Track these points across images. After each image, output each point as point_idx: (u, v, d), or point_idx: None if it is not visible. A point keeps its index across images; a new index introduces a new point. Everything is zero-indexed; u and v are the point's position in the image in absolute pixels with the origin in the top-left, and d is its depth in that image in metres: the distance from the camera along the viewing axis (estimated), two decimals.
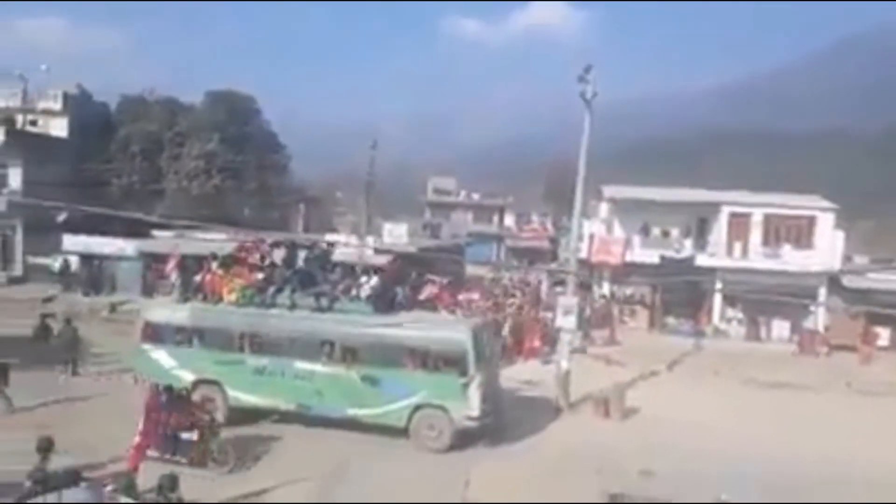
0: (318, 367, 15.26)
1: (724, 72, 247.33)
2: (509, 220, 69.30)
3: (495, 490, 12.55)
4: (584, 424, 17.11)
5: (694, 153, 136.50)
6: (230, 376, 15.59)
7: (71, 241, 35.61)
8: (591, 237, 33.55)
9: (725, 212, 33.85)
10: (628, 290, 34.41)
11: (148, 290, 35.04)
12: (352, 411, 15.01)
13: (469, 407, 14.51)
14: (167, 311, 16.79)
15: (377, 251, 31.85)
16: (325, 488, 12.41)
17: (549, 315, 25.28)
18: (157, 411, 12.95)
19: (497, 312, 26.40)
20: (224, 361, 15.74)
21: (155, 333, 16.40)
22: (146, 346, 16.33)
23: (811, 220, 33.22)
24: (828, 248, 32.40)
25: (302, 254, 18.37)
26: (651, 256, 32.99)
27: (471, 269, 41.84)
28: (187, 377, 15.59)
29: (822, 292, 31.46)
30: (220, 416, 14.84)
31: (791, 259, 31.72)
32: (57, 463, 9.31)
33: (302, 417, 15.44)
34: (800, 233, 33.15)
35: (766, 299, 27.24)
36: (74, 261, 35.62)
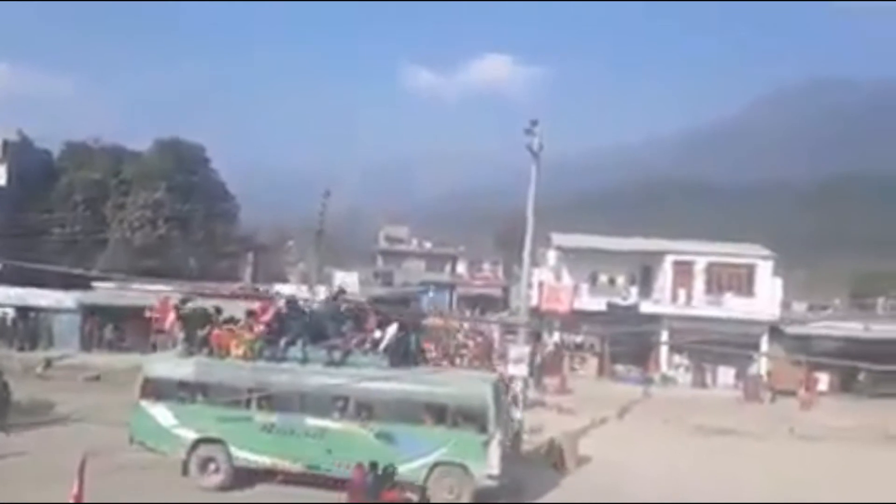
0: (330, 424, 14.52)
1: (667, 125, 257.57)
2: (461, 268, 69.67)
3: None
4: (537, 473, 16.96)
5: (638, 203, 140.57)
6: (235, 434, 14.71)
7: (5, 294, 34.17)
8: (541, 285, 33.97)
9: (669, 260, 34.81)
10: (578, 338, 34.78)
11: (86, 345, 33.77)
12: None
13: (489, 465, 13.93)
14: (169, 365, 15.90)
15: (328, 300, 31.49)
16: None
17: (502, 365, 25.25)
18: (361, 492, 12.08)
19: (451, 362, 26.28)
20: (229, 418, 14.83)
21: (155, 389, 15.38)
22: (144, 403, 15.27)
23: (751, 268, 34.39)
24: (768, 295, 33.50)
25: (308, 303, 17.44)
26: (598, 304, 33.52)
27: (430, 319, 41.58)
28: (188, 435, 14.79)
29: (765, 339, 32.36)
30: (222, 477, 14.46)
31: (733, 306, 32.63)
32: None
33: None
34: (741, 280, 34.24)
35: (711, 347, 27.87)
36: (10, 313, 34.15)
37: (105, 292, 34.88)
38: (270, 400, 14.93)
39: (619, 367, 33.81)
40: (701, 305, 33.19)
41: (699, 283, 34.22)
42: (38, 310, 34.42)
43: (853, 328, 30.35)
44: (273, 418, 14.70)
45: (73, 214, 41.74)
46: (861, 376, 29.96)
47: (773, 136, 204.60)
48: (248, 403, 14.93)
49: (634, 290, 34.99)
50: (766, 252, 35.61)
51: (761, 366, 32.06)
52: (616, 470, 17.22)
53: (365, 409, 14.57)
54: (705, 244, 37.10)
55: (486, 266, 68.95)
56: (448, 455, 14.07)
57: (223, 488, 14.56)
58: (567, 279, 35.29)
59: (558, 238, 37.08)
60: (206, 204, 45.15)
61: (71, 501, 10.93)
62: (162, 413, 15.10)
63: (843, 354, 28.67)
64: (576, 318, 33.28)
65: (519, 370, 19.51)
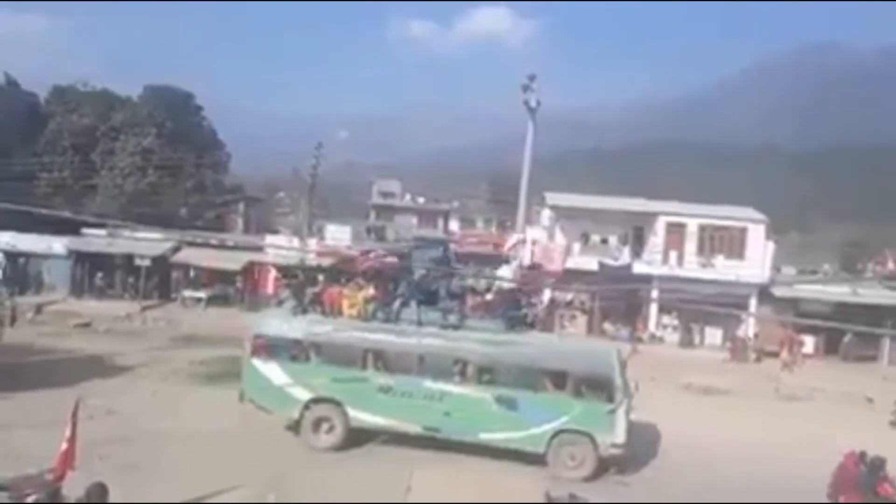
0: (449, 388, 14.32)
1: (665, 86, 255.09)
2: (454, 224, 69.57)
3: (437, 493, 12.48)
4: None
5: (632, 163, 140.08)
6: (351, 394, 14.47)
7: None
8: (534, 243, 33.93)
9: (662, 221, 34.74)
10: (568, 296, 34.92)
11: (76, 291, 33.69)
12: (485, 435, 14.08)
13: (615, 434, 13.69)
14: (282, 324, 15.47)
15: (319, 254, 31.45)
16: (263, 494, 12.09)
17: None
18: None
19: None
20: (344, 378, 14.59)
21: (267, 347, 15.13)
22: (256, 362, 15.03)
23: (743, 231, 34.39)
24: (759, 258, 33.60)
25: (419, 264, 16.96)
26: (590, 263, 33.55)
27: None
28: (302, 395, 14.60)
29: (753, 301, 32.62)
30: (336, 438, 14.36)
31: (724, 268, 32.78)
32: None
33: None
34: (732, 243, 34.27)
35: (700, 308, 28.09)
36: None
37: (95, 239, 34.64)
38: (386, 361, 14.74)
39: (608, 326, 34.05)
40: (692, 267, 33.31)
41: (691, 245, 34.28)
42: (27, 255, 34.23)
43: (842, 292, 30.65)
44: (390, 380, 14.46)
45: (62, 160, 41.12)
46: (847, 339, 30.36)
47: (767, 101, 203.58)
48: (364, 364, 14.70)
49: (626, 251, 35.05)
50: (759, 215, 35.60)
51: (749, 327, 32.41)
52: None
53: (485, 374, 14.37)
54: (698, 206, 36.99)
55: (480, 223, 68.91)
56: (572, 423, 13.82)
57: (336, 449, 14.42)
58: (560, 238, 35.26)
59: (552, 197, 36.91)
60: (196, 152, 44.56)
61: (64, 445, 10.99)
62: (274, 371, 14.83)
63: (831, 318, 29.09)
64: (567, 278, 33.37)
65: None
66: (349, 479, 13.05)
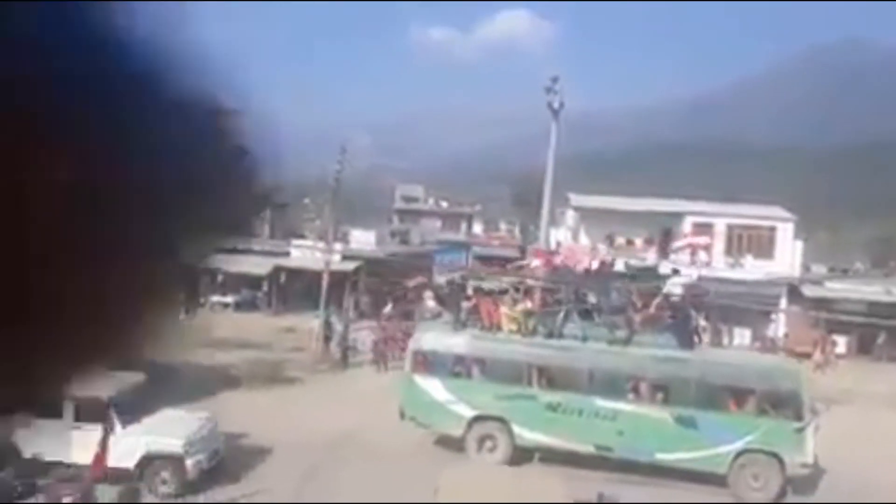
0: (622, 406, 13.83)
1: (687, 86, 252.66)
2: (477, 227, 69.52)
3: (465, 495, 12.47)
4: None
5: (656, 164, 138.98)
6: (517, 412, 14.02)
7: None
8: (558, 245, 33.80)
9: (689, 221, 34.41)
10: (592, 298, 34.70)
11: None
12: (662, 455, 13.52)
13: (804, 454, 13.06)
14: (442, 338, 15.13)
15: (345, 257, 31.67)
16: (293, 496, 12.20)
17: None
18: None
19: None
20: (510, 395, 14.16)
21: (427, 363, 14.88)
22: (417, 377, 14.78)
23: (772, 230, 33.96)
24: (788, 257, 33.15)
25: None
26: (616, 265, 33.33)
27: (439, 277, 41.78)
28: (465, 412, 14.26)
29: (783, 301, 32.14)
30: (501, 456, 13.90)
31: (753, 268, 32.36)
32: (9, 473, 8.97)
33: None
34: (761, 242, 33.85)
35: (730, 307, 27.73)
36: None
37: None
38: (553, 378, 14.35)
39: None
40: (720, 267, 32.94)
41: (719, 245, 33.90)
42: None
43: (874, 291, 30.11)
44: (558, 397, 14.03)
45: None
46: (880, 339, 29.75)
47: (789, 99, 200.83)
48: (529, 381, 14.33)
49: (652, 252, 34.76)
50: (787, 214, 35.12)
51: (778, 327, 31.92)
52: None
53: (661, 391, 13.93)
54: (725, 206, 36.61)
55: (503, 226, 68.78)
56: (757, 443, 13.28)
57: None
58: (585, 240, 35.08)
59: (576, 198, 36.74)
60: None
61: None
62: (435, 387, 14.55)
63: (863, 317, 28.52)
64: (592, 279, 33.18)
65: None
66: (376, 480, 13.12)
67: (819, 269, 38.20)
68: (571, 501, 10.03)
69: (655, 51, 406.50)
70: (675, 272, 15.13)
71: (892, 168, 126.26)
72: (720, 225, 33.99)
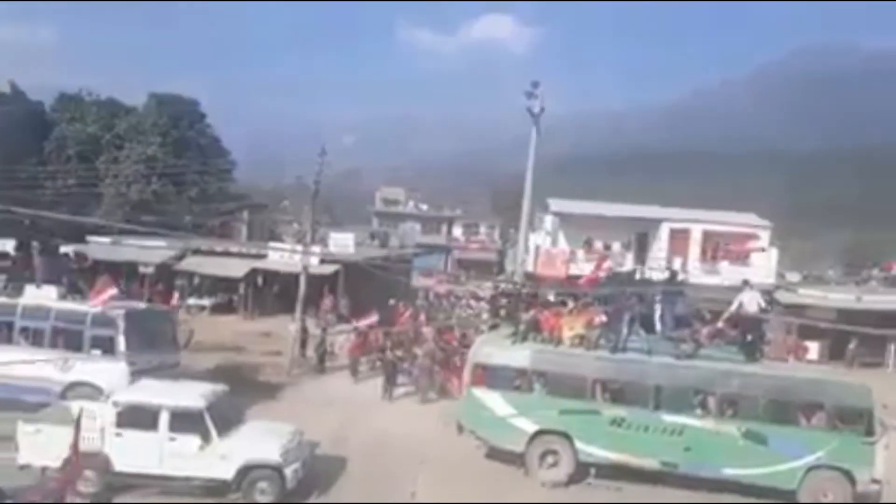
0: (690, 421, 13.57)
1: (662, 92, 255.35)
2: (457, 231, 69.61)
3: (442, 500, 12.47)
4: None
5: (631, 169, 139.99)
6: (581, 427, 13.80)
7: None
8: (537, 250, 33.95)
9: (666, 227, 34.74)
10: (571, 303, 34.84)
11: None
12: (730, 471, 13.37)
13: (875, 470, 13.01)
14: (502, 351, 14.80)
15: (323, 260, 31.43)
16: None
17: None
18: None
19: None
20: (573, 410, 13.92)
21: (488, 377, 14.54)
22: (477, 391, 14.49)
23: (748, 237, 34.40)
24: (763, 264, 33.57)
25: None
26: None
27: (418, 281, 41.79)
28: (528, 427, 14.02)
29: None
30: (563, 472, 13.78)
31: (728, 275, 32.70)
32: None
33: None
34: (736, 249, 34.24)
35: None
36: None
37: (99, 247, 34.67)
38: (617, 392, 14.12)
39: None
40: (696, 273, 33.25)
41: (694, 252, 34.25)
42: None
43: (846, 299, 30.57)
44: (623, 412, 13.80)
45: (66, 167, 41.32)
46: (852, 345, 30.23)
47: (770, 106, 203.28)
48: (593, 395, 14.08)
49: (630, 257, 35.03)
50: (762, 221, 35.61)
51: None
52: None
53: (729, 406, 13.71)
54: (701, 212, 37.04)
55: (483, 230, 68.95)
56: (827, 459, 13.14)
57: (561, 484, 13.83)
58: (563, 245, 35.27)
59: (556, 203, 36.95)
60: (200, 160, 44.74)
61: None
62: (497, 402, 14.28)
63: (835, 324, 28.93)
64: (570, 284, 33.33)
65: None
66: (354, 486, 13.06)
67: (794, 277, 38.70)
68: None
69: (635, 56, 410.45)
70: (746, 283, 14.96)
71: (864, 175, 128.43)
72: (696, 231, 34.38)
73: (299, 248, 28.67)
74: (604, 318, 14.78)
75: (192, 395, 12.71)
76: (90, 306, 16.01)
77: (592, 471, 13.84)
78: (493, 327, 17.66)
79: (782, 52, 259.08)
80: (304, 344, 23.74)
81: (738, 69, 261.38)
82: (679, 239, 34.52)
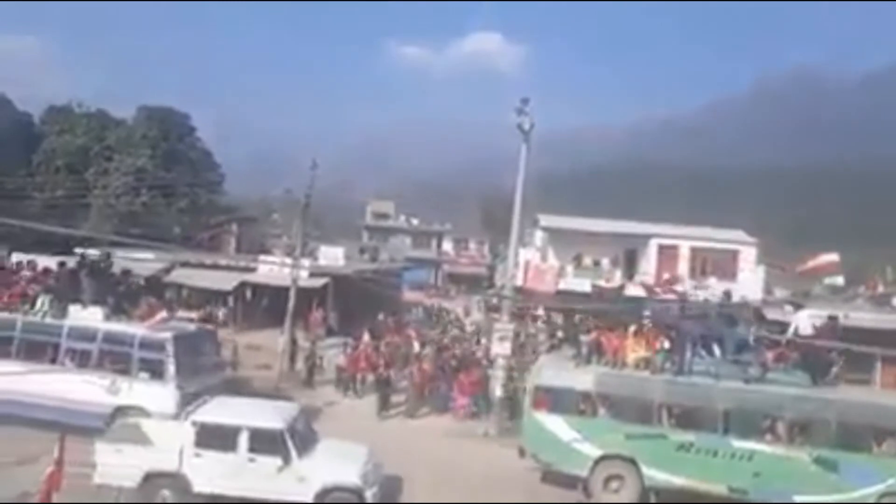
0: (759, 447, 13.41)
1: (651, 110, 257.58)
2: (447, 245, 69.75)
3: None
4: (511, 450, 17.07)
5: (623, 186, 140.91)
6: (647, 452, 13.63)
7: None
8: (527, 265, 34.02)
9: (654, 244, 34.95)
10: (560, 318, 34.91)
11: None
12: (800, 498, 13.19)
13: None
14: (565, 374, 14.62)
15: (312, 274, 31.37)
16: None
17: None
18: None
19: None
20: (639, 435, 13.74)
21: (550, 400, 14.34)
22: (539, 415, 14.29)
23: (735, 254, 34.66)
24: (751, 281, 33.79)
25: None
26: (582, 285, 33.63)
27: (407, 295, 41.76)
28: (591, 452, 13.85)
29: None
30: (627, 497, 13.58)
31: (716, 291, 32.86)
32: None
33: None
34: (724, 265, 34.48)
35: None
36: None
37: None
38: (683, 417, 13.93)
39: None
40: (685, 289, 33.41)
41: (683, 267, 34.44)
42: None
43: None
44: (691, 437, 13.59)
45: (55, 179, 41.12)
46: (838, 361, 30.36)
47: (758, 124, 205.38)
48: (659, 420, 13.93)
49: (618, 273, 35.16)
50: (749, 238, 35.91)
51: None
52: None
53: (799, 431, 13.56)
54: (690, 228, 37.30)
55: (472, 245, 69.10)
56: None
57: None
58: (553, 260, 35.38)
59: (545, 219, 37.11)
60: (190, 173, 44.65)
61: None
62: (559, 426, 14.12)
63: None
64: (560, 299, 33.40)
65: (502, 348, 19.56)
66: None
67: (782, 294, 38.89)
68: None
69: (626, 72, 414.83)
70: (798, 306, 14.49)
71: (853, 196, 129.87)
72: (684, 248, 34.60)
73: (289, 261, 28.70)
74: (666, 342, 14.65)
75: (272, 414, 12.51)
76: (139, 328, 15.75)
77: (652, 496, 13.73)
78: (551, 349, 17.47)
79: (772, 70, 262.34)
80: (293, 357, 23.65)
81: (729, 87, 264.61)
82: (667, 255, 34.72)
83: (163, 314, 16.31)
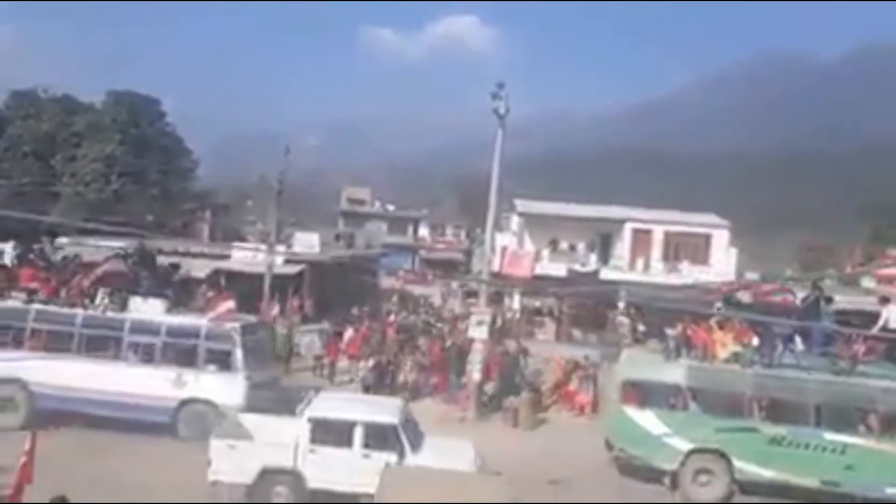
0: (853, 440, 13.37)
1: (623, 94, 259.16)
2: (424, 231, 69.65)
3: (403, 495, 12.42)
4: (493, 434, 17.19)
5: (594, 170, 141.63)
6: (738, 446, 13.60)
7: None
8: (503, 250, 34.16)
9: (629, 228, 35.30)
10: (536, 303, 35.20)
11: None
12: (893, 490, 13.14)
13: None
14: (655, 368, 14.64)
15: (287, 261, 31.16)
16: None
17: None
18: None
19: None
20: (730, 429, 13.73)
21: (640, 394, 14.34)
22: (628, 409, 14.29)
23: (707, 238, 35.16)
24: (723, 264, 34.32)
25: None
26: (558, 269, 33.90)
27: (385, 282, 41.71)
28: (682, 446, 13.79)
29: (719, 307, 33.15)
30: (718, 491, 13.55)
31: (689, 274, 33.36)
32: None
33: None
34: (697, 249, 34.98)
35: (668, 313, 28.39)
36: None
37: (54, 248, 33.79)
38: (774, 410, 13.89)
39: (577, 332, 34.37)
40: (658, 273, 33.85)
41: (657, 251, 34.87)
42: None
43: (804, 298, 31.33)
44: (783, 430, 13.58)
45: (22, 166, 40.20)
46: None
47: (728, 109, 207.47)
48: (751, 413, 13.90)
49: (594, 257, 35.50)
50: (721, 221, 36.42)
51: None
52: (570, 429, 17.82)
53: (891, 425, 13.53)
54: (663, 213, 37.74)
55: (449, 230, 69.09)
56: None
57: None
58: (529, 245, 35.58)
59: (522, 204, 37.25)
60: (162, 159, 43.94)
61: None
62: (649, 420, 14.12)
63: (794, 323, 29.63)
64: (536, 284, 33.65)
65: (479, 332, 19.62)
66: None
67: (753, 276, 39.48)
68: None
69: (595, 58, 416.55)
70: (885, 300, 14.53)
71: (822, 178, 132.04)
72: (658, 232, 35.02)
73: (263, 248, 28.46)
74: (754, 335, 14.59)
75: (385, 409, 12.34)
76: (205, 319, 15.43)
77: (734, 488, 13.77)
78: (636, 342, 17.58)
79: (744, 54, 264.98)
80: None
81: (700, 70, 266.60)
82: (641, 239, 35.11)
83: (229, 304, 15.82)
